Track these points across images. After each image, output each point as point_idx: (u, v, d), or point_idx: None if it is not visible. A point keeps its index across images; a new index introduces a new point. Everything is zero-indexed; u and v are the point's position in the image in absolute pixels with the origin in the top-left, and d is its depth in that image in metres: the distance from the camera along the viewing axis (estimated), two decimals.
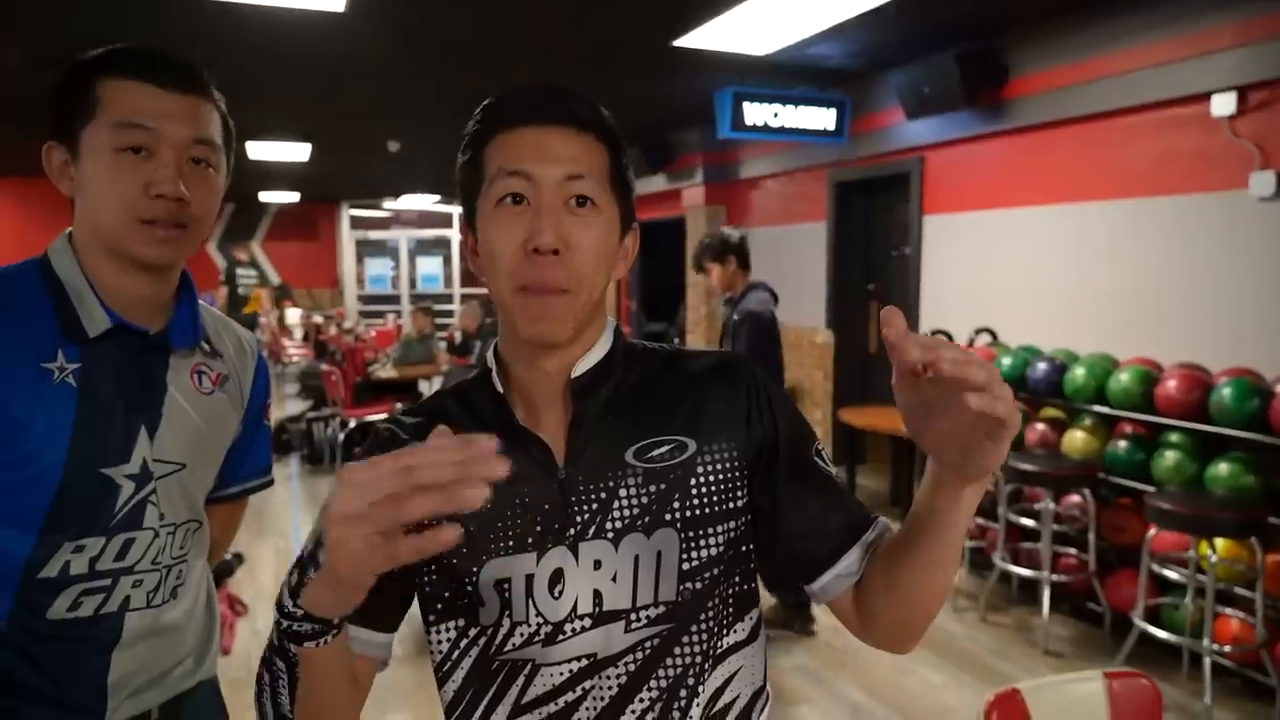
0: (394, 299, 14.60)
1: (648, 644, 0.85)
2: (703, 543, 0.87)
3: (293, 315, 12.66)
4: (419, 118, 6.83)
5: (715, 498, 0.88)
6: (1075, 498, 3.80)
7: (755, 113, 5.13)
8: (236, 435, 1.20)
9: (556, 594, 0.85)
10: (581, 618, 0.84)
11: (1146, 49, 3.80)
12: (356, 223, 14.55)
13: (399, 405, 6.98)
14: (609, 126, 0.89)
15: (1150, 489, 3.43)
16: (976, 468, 0.74)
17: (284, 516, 5.50)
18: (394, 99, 6.04)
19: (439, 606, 0.89)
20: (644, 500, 0.86)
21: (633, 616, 0.85)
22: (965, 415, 0.69)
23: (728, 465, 0.89)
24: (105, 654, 1.02)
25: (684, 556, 0.86)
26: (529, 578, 0.85)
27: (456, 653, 0.89)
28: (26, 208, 11.16)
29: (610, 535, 0.85)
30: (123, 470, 1.00)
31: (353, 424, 6.72)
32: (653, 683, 0.85)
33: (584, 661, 0.84)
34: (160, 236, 1.00)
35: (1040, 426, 4.05)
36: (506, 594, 0.86)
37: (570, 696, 0.85)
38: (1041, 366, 3.96)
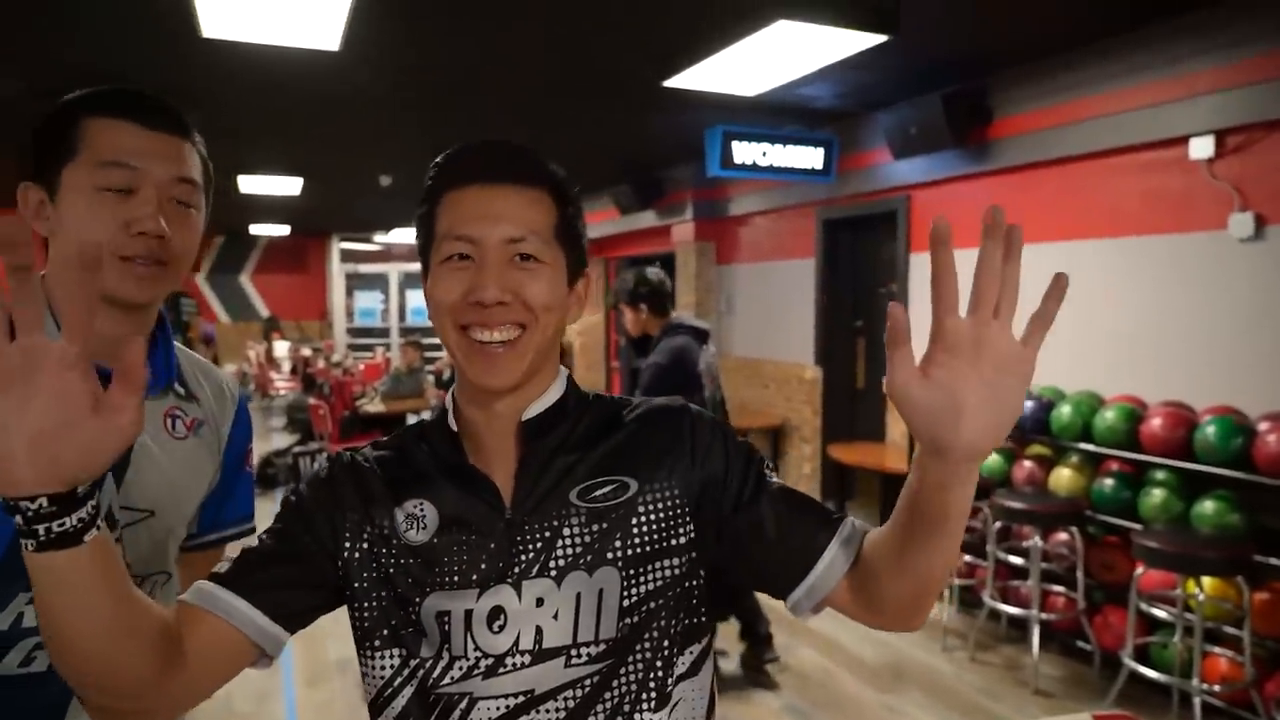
0: (384, 332, 14.59)
1: (586, 681, 0.87)
2: (643, 579, 0.89)
3: (281, 348, 12.62)
4: (410, 152, 6.89)
5: (656, 535, 0.91)
6: (1063, 535, 3.81)
7: (744, 151, 5.20)
8: (214, 482, 1.17)
9: (496, 629, 0.87)
10: (522, 653, 0.86)
11: (1129, 92, 3.88)
12: (347, 255, 14.58)
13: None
14: (556, 181, 0.94)
15: (1137, 527, 3.43)
16: (997, 425, 0.75)
17: None
18: (386, 134, 6.09)
19: (383, 633, 0.90)
20: (586, 539, 0.89)
21: (573, 653, 0.87)
22: (991, 359, 0.76)
23: (669, 504, 0.92)
24: (56, 708, 0.98)
25: (625, 593, 0.88)
26: (468, 613, 0.87)
27: (398, 681, 0.90)
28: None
29: (553, 573, 0.88)
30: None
31: None
32: (591, 717, 0.86)
33: (520, 698, 0.86)
34: (139, 274, 0.99)
35: (1027, 464, 4.06)
36: (446, 627, 0.88)
37: None
38: (1028, 404, 3.98)
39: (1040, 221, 4.42)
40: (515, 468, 0.92)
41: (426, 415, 5.91)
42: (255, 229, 12.98)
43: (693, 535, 0.93)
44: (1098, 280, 4.10)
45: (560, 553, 0.88)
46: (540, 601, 0.87)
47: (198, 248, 1.07)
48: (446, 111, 5.32)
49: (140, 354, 0.67)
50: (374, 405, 6.96)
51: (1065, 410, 3.80)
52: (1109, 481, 3.65)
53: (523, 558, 0.88)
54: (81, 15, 3.58)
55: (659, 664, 0.89)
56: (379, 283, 14.88)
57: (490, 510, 0.90)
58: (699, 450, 0.94)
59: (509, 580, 0.88)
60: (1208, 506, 3.25)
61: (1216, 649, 3.20)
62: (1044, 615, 3.66)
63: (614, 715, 0.87)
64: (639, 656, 0.89)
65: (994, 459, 4.22)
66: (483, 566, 0.88)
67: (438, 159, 0.95)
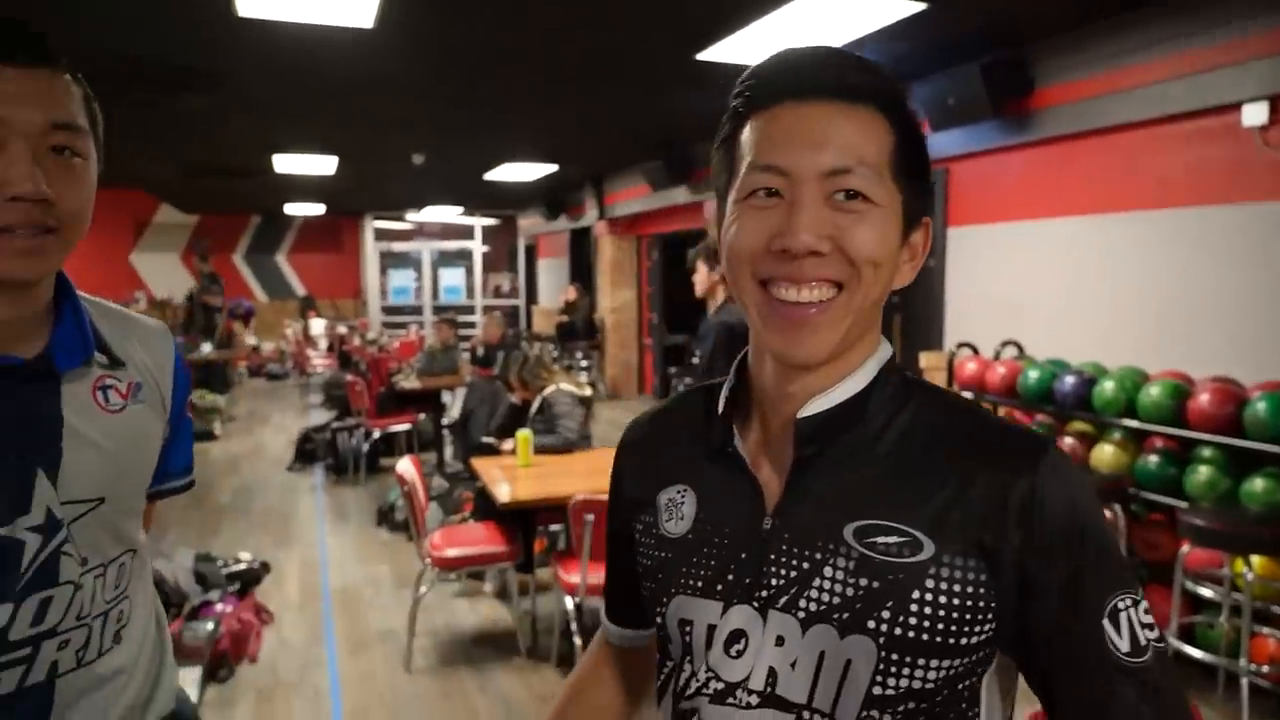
0: (417, 310, 14.72)
1: None
2: (907, 671, 0.68)
3: (317, 326, 12.79)
4: (443, 131, 6.89)
5: (940, 625, 0.68)
6: (1105, 513, 3.74)
7: None
8: (166, 438, 1.04)
9: (734, 654, 0.74)
10: (752, 692, 0.72)
11: (1175, 58, 3.76)
12: (380, 234, 14.69)
13: (422, 416, 7.02)
14: (894, 97, 0.72)
15: (1183, 505, 3.37)
16: None
17: (310, 527, 5.53)
18: (419, 112, 6.10)
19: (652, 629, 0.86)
20: (849, 592, 0.69)
21: (804, 714, 0.71)
22: None
23: (969, 590, 0.68)
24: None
25: (878, 679, 0.68)
26: (711, 628, 0.75)
27: (661, 678, 0.83)
28: None
29: (801, 615, 0.71)
30: (23, 524, 0.84)
31: (376, 434, 6.76)
32: None
33: None
34: (21, 247, 0.82)
35: (1068, 440, 4.00)
36: (688, 638, 0.77)
37: None
38: (1069, 380, 3.92)
39: (1083, 194, 4.32)
40: (789, 468, 0.74)
41: (462, 392, 5.88)
42: (290, 209, 13.11)
43: (991, 633, 0.69)
44: (1143, 254, 4.01)
45: (815, 594, 0.71)
46: (780, 641, 0.72)
47: (91, 206, 0.88)
48: (478, 88, 5.31)
49: None
50: (409, 382, 7.03)
51: (1108, 386, 3.73)
52: (1154, 458, 3.58)
53: (773, 581, 0.72)
54: (120, 1, 3.62)
55: None
56: (412, 261, 14.99)
57: (750, 511, 0.75)
58: (1035, 533, 0.67)
59: (755, 603, 0.73)
60: (1258, 484, 3.18)
61: (1265, 629, 3.14)
62: None
63: None
64: None
65: None
66: (730, 577, 0.75)
67: (746, 71, 0.75)
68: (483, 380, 6.19)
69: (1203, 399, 3.35)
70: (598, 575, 3.28)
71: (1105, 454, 3.78)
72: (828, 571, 0.70)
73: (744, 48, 4.25)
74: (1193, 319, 3.80)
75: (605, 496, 3.45)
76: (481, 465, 4.07)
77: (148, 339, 1.04)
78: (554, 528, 4.01)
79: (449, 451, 6.78)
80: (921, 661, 0.68)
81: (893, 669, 0.68)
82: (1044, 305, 4.59)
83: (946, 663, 0.68)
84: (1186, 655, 3.18)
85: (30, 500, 0.85)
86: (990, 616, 0.69)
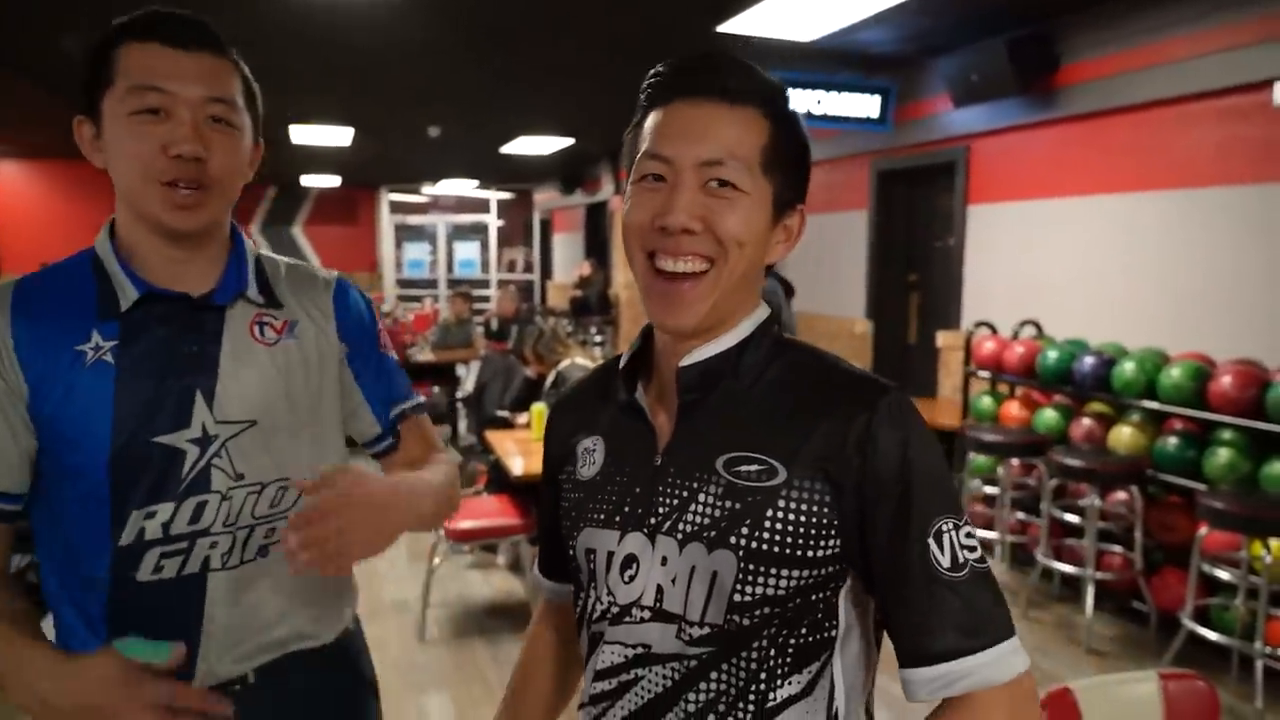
0: (431, 283, 14.71)
1: (690, 659, 0.82)
2: (762, 580, 0.79)
3: None
4: (459, 103, 6.85)
5: (789, 539, 0.79)
6: (1121, 494, 3.73)
7: (798, 100, 5.07)
8: (343, 377, 1.15)
9: (627, 578, 0.85)
10: (644, 608, 0.84)
11: (1205, 34, 3.69)
12: (396, 207, 14.67)
13: (436, 389, 7.04)
14: (773, 99, 0.84)
15: (1201, 487, 3.35)
16: None
17: None
18: (436, 84, 6.06)
19: (569, 567, 0.96)
20: (716, 514, 0.81)
21: (683, 625, 0.82)
22: None
23: (814, 508, 0.79)
24: (193, 613, 1.01)
25: (738, 587, 0.80)
26: (609, 554, 0.87)
27: (577, 610, 0.93)
28: (94, 185, 11.45)
29: (679, 536, 0.82)
30: (183, 436, 0.98)
31: None
32: (693, 695, 0.82)
33: (639, 650, 0.84)
34: (179, 201, 0.97)
35: (1086, 421, 3.97)
36: (592, 565, 0.89)
37: (625, 678, 0.85)
38: (1089, 360, 3.88)
39: (1107, 173, 4.26)
40: (676, 414, 0.87)
41: (476, 366, 5.89)
42: (306, 180, 13.11)
43: (837, 550, 0.80)
44: (1167, 234, 3.95)
45: (691, 517, 0.82)
46: (665, 561, 0.83)
47: (245, 169, 1.04)
48: (495, 59, 5.27)
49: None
50: (424, 355, 7.05)
51: (1128, 367, 3.69)
52: (1173, 440, 3.55)
53: (660, 509, 0.84)
54: None
55: (763, 675, 0.81)
56: (427, 234, 14.97)
57: (643, 452, 0.87)
58: (870, 461, 0.78)
59: (645, 529, 0.85)
60: (1278, 468, 3.15)
61: None
62: (1099, 575, 3.60)
63: (709, 710, 0.81)
64: (743, 662, 0.81)
65: (1051, 415, 4.14)
66: (625, 509, 0.87)
67: (650, 72, 0.87)
68: (497, 354, 6.20)
69: (1224, 381, 3.31)
70: None
71: (1123, 435, 3.75)
72: (701, 497, 0.82)
73: (766, 19, 4.19)
74: (1216, 300, 3.75)
75: None
76: (495, 438, 4.09)
77: (307, 286, 1.16)
78: None
79: (463, 424, 6.80)
80: (774, 571, 0.79)
81: (750, 578, 0.79)
82: (1064, 285, 4.54)
83: (796, 573, 0.79)
84: (1200, 637, 3.17)
85: (190, 416, 0.99)
86: (834, 533, 0.80)
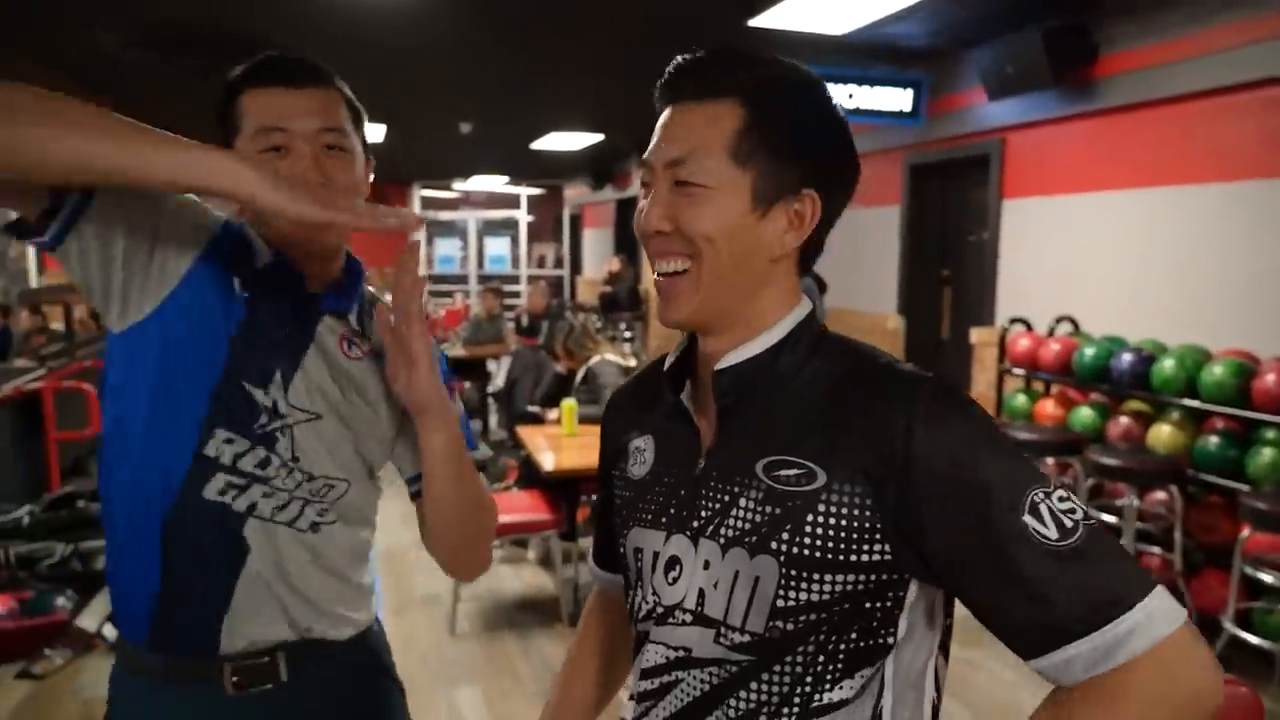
0: (462, 279, 14.80)
1: (731, 665, 0.81)
2: (805, 586, 0.77)
3: None
4: (490, 100, 6.88)
5: (831, 544, 0.76)
6: (1160, 494, 3.66)
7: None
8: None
9: (671, 580, 0.85)
10: (686, 611, 0.83)
11: (1247, 24, 3.60)
12: (427, 203, 14.78)
13: (467, 384, 7.08)
14: (748, 87, 0.81)
15: (1244, 488, 3.27)
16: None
17: None
18: (467, 81, 6.09)
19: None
20: (757, 518, 0.79)
21: (723, 629, 0.81)
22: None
23: (856, 512, 0.76)
24: (236, 549, 1.06)
25: (780, 593, 0.78)
26: (655, 555, 0.87)
27: (627, 605, 0.93)
28: None
29: (721, 541, 0.81)
30: (262, 396, 1.06)
31: None
32: (734, 700, 0.81)
33: (680, 653, 0.84)
34: (299, 234, 1.06)
35: (1124, 420, 3.90)
36: (640, 564, 0.89)
37: (666, 679, 0.85)
38: (1127, 357, 3.81)
39: (1146, 166, 4.18)
40: (716, 417, 0.86)
41: (507, 361, 5.94)
42: None
43: (888, 556, 0.76)
44: (1208, 228, 3.86)
45: (733, 521, 0.81)
46: (707, 565, 0.82)
47: (361, 185, 1.14)
48: (526, 55, 5.29)
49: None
50: (455, 350, 7.09)
51: (1168, 364, 3.62)
52: (1214, 439, 3.48)
53: (702, 513, 0.83)
54: None
55: (809, 680, 0.79)
56: (458, 230, 15.06)
57: (688, 454, 0.87)
58: (911, 459, 0.74)
59: (688, 532, 0.84)
60: None
61: None
62: None
63: (753, 715, 0.80)
64: (788, 668, 0.79)
65: (1087, 414, 4.07)
66: (671, 510, 0.87)
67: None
68: (527, 349, 6.22)
69: (1269, 379, 3.24)
70: None
71: (1163, 434, 3.68)
72: (742, 502, 0.81)
73: (797, 13, 4.16)
74: (1259, 296, 3.66)
75: None
76: (526, 434, 4.10)
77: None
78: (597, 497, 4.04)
79: (494, 419, 6.84)
80: (816, 576, 0.77)
81: (792, 583, 0.77)
82: (1101, 280, 4.46)
83: (841, 577, 0.77)
84: (1241, 641, 3.11)
85: (269, 384, 1.07)
86: (879, 538, 0.76)
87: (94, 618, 3.60)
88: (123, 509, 1.07)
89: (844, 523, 0.76)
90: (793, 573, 0.77)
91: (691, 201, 0.80)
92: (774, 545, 0.78)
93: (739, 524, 0.80)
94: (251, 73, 1.09)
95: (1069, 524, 0.71)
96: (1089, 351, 4.00)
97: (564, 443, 3.89)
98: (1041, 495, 0.72)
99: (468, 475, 1.16)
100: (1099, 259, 4.48)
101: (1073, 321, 4.48)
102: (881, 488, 0.75)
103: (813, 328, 0.86)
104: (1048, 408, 4.37)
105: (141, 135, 0.88)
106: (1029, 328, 4.62)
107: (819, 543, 0.77)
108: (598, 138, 9.01)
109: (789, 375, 0.83)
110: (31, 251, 11.70)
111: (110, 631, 3.51)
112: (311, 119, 1.07)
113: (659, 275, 0.84)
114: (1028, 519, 0.71)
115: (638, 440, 0.95)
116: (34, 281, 11.60)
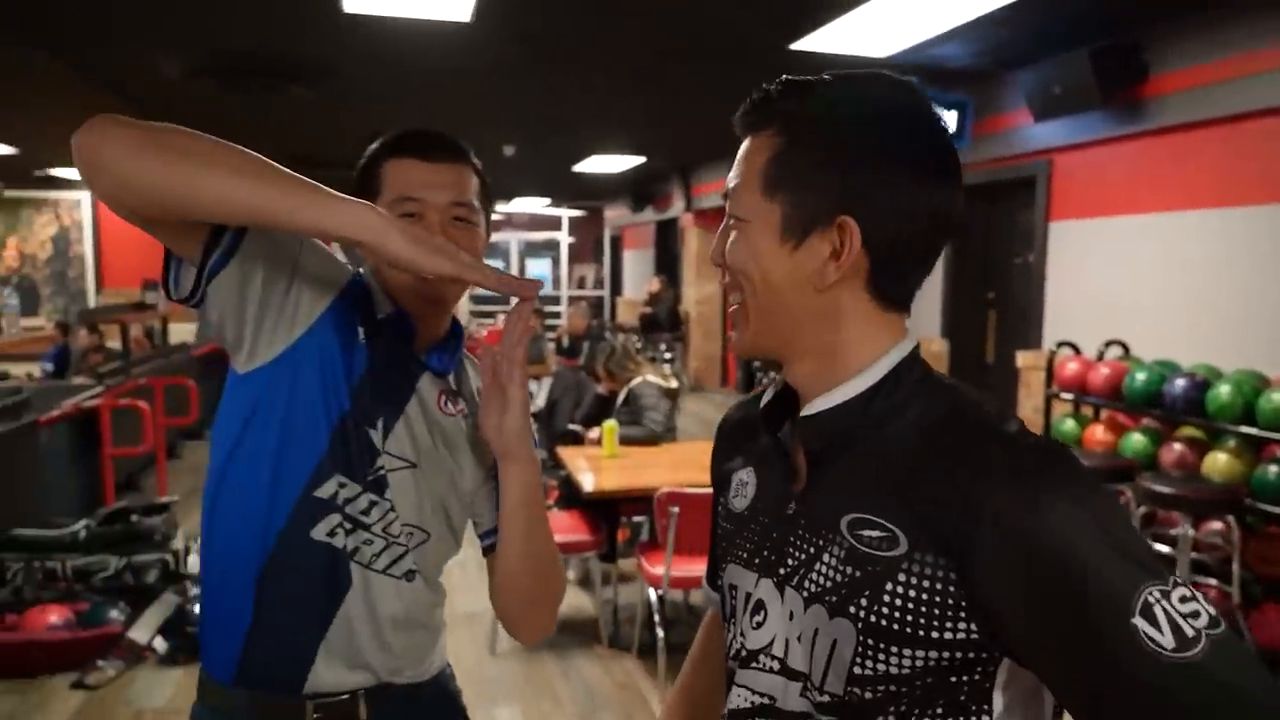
0: (504, 300, 14.94)
1: None
2: (883, 657, 0.71)
3: None
4: (534, 123, 6.98)
5: (910, 617, 0.70)
6: (1216, 524, 3.56)
7: None
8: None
9: (755, 624, 0.82)
10: (772, 657, 0.80)
11: None
12: None
13: None
14: (788, 110, 0.78)
15: None
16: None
17: None
18: (511, 104, 6.18)
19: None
20: (838, 578, 0.74)
21: (809, 684, 0.77)
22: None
23: (938, 586, 0.69)
24: (337, 590, 1.09)
25: (857, 659, 0.72)
26: (747, 596, 0.84)
27: (726, 637, 0.90)
28: None
29: (805, 595, 0.77)
30: (376, 439, 1.11)
31: None
32: None
33: (764, 699, 0.80)
34: (424, 287, 1.12)
35: (1177, 447, 3.81)
36: (734, 602, 0.86)
37: None
38: (1180, 383, 3.72)
39: (1199, 187, 4.10)
40: (805, 457, 0.81)
41: (547, 382, 5.95)
42: None
43: (973, 635, 0.69)
44: (1264, 250, 3.77)
45: (816, 576, 0.76)
46: (791, 616, 0.78)
47: (480, 251, 1.20)
48: (570, 79, 5.36)
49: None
50: None
51: (1224, 390, 3.53)
52: (1273, 468, 3.38)
53: (789, 561, 0.79)
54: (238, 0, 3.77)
55: None
56: (500, 251, 15.24)
57: (782, 497, 0.83)
58: (994, 537, 0.66)
59: (775, 579, 0.80)
60: None
61: None
62: None
63: None
64: None
65: (1139, 440, 3.98)
66: (764, 552, 0.82)
67: None
68: (568, 370, 6.25)
69: None
70: (682, 568, 3.29)
71: (1218, 462, 3.58)
72: (825, 557, 0.76)
73: (839, 37, 4.17)
74: None
75: (691, 490, 3.44)
76: (567, 454, 4.12)
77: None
78: (637, 518, 4.03)
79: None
80: (895, 649, 0.71)
81: (869, 652, 0.71)
82: (1151, 304, 4.37)
83: (922, 653, 0.70)
84: None
85: (375, 426, 1.11)
86: (964, 616, 0.68)
87: (145, 630, 3.68)
88: (223, 544, 1.10)
89: (925, 596, 0.69)
90: (869, 641, 0.71)
91: (734, 235, 0.81)
92: (852, 609, 0.73)
93: (821, 580, 0.76)
94: (395, 144, 1.17)
95: (1190, 632, 0.61)
96: (1140, 376, 3.92)
97: (604, 464, 3.89)
98: (1158, 594, 0.62)
99: (541, 527, 1.18)
100: (1149, 282, 4.40)
101: (1123, 345, 4.40)
102: (966, 565, 0.67)
103: (914, 370, 0.79)
104: (1097, 433, 4.27)
105: (298, 183, 0.93)
106: (1077, 351, 4.54)
107: (897, 614, 0.70)
108: (639, 160, 9.08)
109: (882, 423, 0.76)
110: (90, 272, 12.10)
111: (160, 644, 3.58)
112: (445, 192, 1.14)
113: (730, 306, 0.85)
114: (1138, 621, 0.61)
115: (741, 472, 0.91)
116: (92, 301, 11.98)
